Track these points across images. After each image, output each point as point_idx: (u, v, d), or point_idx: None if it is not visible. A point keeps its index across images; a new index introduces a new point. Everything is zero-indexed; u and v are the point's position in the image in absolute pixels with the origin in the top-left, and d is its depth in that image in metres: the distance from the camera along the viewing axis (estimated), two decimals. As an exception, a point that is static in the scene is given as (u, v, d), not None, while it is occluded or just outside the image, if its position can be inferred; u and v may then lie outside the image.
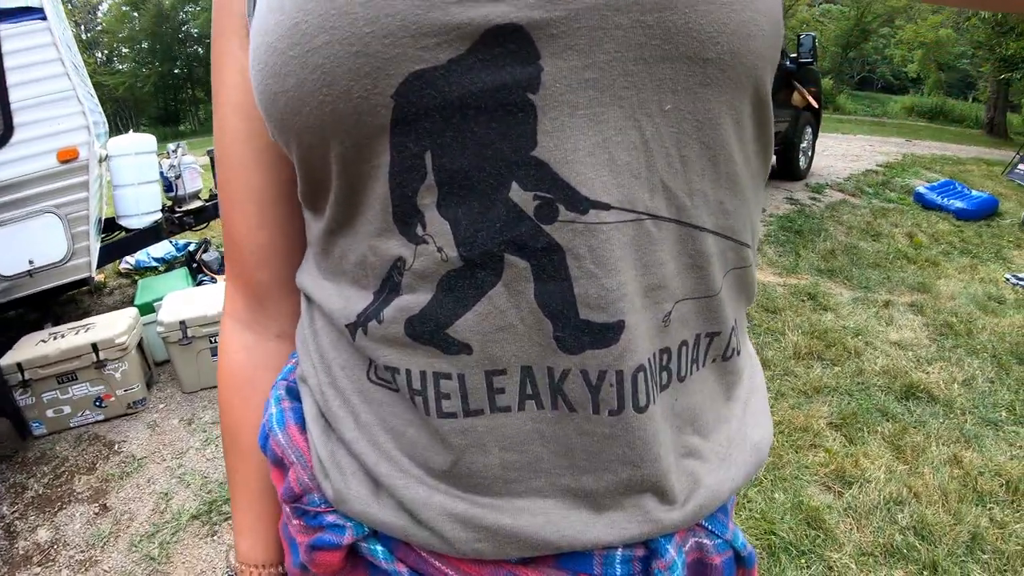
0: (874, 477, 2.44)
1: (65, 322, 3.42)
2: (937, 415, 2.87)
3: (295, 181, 0.51)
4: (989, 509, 2.28)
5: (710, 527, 0.51)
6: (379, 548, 0.50)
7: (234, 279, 0.61)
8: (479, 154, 0.39)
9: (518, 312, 0.42)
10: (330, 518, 0.52)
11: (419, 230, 0.42)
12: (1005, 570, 2.03)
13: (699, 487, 0.48)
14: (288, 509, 0.55)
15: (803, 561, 2.05)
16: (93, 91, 4.39)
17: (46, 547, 2.28)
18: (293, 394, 0.57)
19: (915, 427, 2.77)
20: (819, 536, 2.15)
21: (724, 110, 0.42)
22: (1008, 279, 4.59)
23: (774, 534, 2.16)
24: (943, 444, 2.65)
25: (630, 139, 0.40)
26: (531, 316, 0.41)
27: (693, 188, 0.43)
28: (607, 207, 0.40)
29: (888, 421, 2.82)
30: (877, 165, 9.31)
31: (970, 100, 25.63)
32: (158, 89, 36.84)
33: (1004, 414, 2.90)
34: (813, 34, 7.64)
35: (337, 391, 0.51)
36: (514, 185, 0.39)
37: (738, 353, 0.53)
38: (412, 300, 0.44)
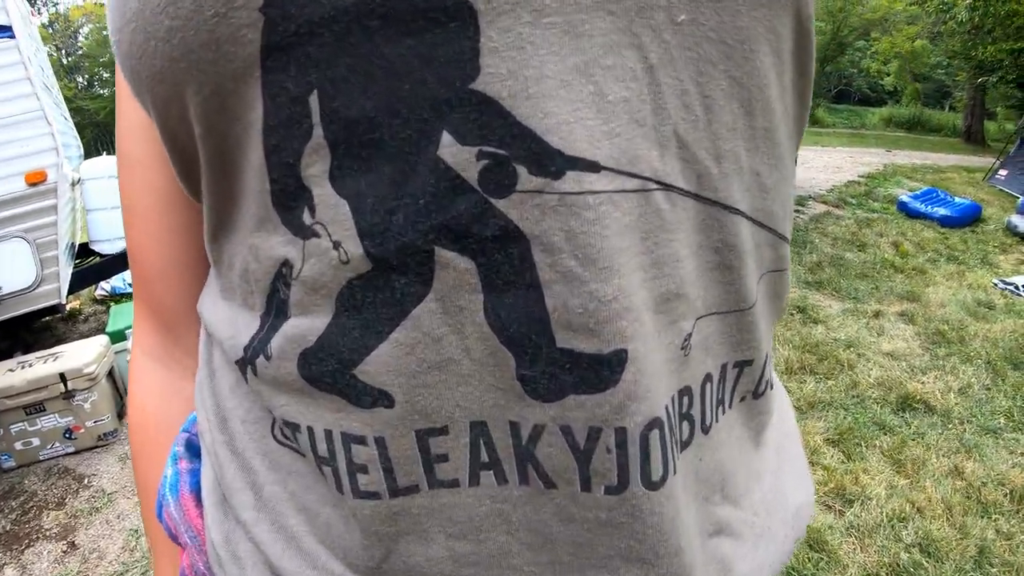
0: (875, 494, 2.36)
1: (37, 351, 3.29)
2: (935, 426, 2.81)
3: None
4: (995, 521, 2.22)
5: None
6: None
7: (142, 306, 0.48)
8: (390, 91, 0.26)
9: (460, 340, 0.29)
10: None
11: (306, 216, 0.29)
12: (1016, 587, 1.96)
13: None
14: None
15: (807, 583, 1.96)
16: (68, 113, 4.29)
17: (10, 590, 2.15)
18: (194, 450, 0.44)
19: (914, 439, 2.71)
20: (822, 559, 2.07)
21: (761, 32, 0.29)
22: (996, 284, 4.57)
23: (776, 555, 2.07)
24: (943, 455, 2.59)
25: (626, 63, 0.27)
26: (480, 346, 0.29)
27: (721, 148, 0.30)
28: (595, 167, 0.26)
29: (886, 434, 2.75)
30: (859, 176, 9.35)
31: (947, 109, 26.06)
32: (139, 113, 36.63)
33: (1003, 421, 2.84)
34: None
35: (234, 454, 0.38)
36: (446, 137, 0.26)
37: (771, 387, 0.40)
38: (305, 325, 0.31)
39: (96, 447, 2.96)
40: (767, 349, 0.38)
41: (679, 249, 0.30)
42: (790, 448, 0.44)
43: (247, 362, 0.35)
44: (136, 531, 2.40)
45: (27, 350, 3.61)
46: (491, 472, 0.32)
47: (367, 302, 0.29)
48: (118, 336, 3.52)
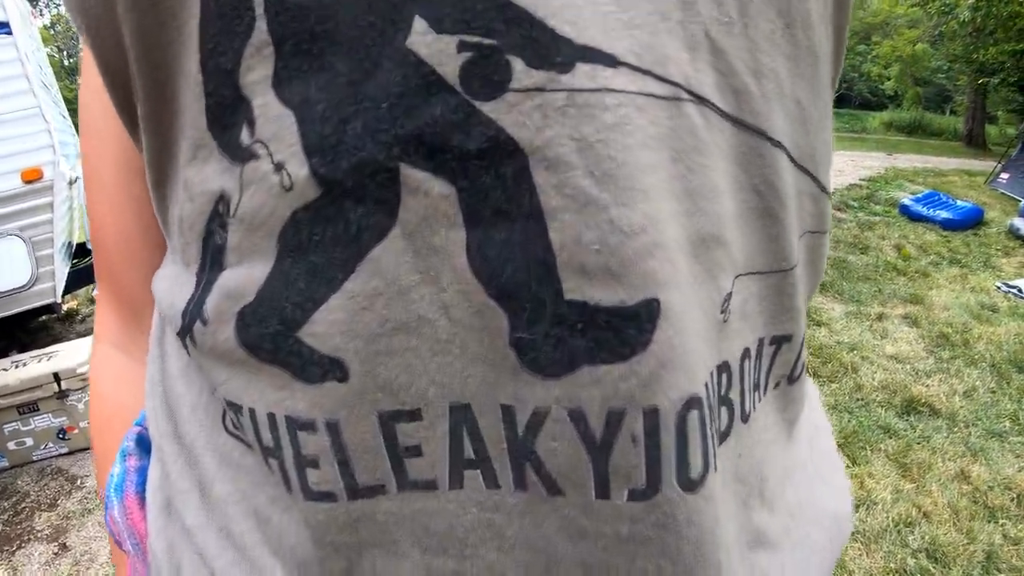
0: (881, 498, 2.32)
1: (32, 350, 3.25)
2: (940, 429, 2.77)
3: None
4: (1002, 525, 2.18)
5: None
6: None
7: (104, 291, 0.43)
8: None
9: (435, 292, 0.22)
10: None
11: (245, 135, 0.23)
12: (1024, 593, 1.92)
13: None
14: None
15: (812, 589, 1.93)
16: (67, 113, 4.26)
17: (-1, 592, 2.12)
18: (145, 446, 0.38)
19: (919, 443, 2.67)
20: (827, 561, 2.04)
21: None
22: (999, 287, 4.53)
23: (779, 560, 2.04)
24: (949, 459, 2.55)
25: None
26: (462, 300, 0.22)
27: (760, 63, 0.25)
28: (612, 61, 0.21)
29: (891, 438, 2.71)
30: (860, 179, 9.32)
31: (947, 114, 26.05)
32: (140, 114, 36.70)
33: (1008, 424, 2.81)
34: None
35: (181, 447, 0.32)
36: (418, 23, 0.21)
37: (806, 371, 0.35)
38: (242, 276, 0.25)
39: (89, 448, 2.92)
40: (804, 326, 0.32)
41: (717, 180, 0.24)
42: (823, 445, 0.38)
43: (185, 332, 0.28)
44: (129, 533, 2.36)
45: (23, 350, 3.58)
46: (477, 472, 0.25)
47: (314, 240, 0.22)
48: (114, 336, 3.49)
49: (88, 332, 4.27)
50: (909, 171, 10.45)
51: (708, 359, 0.25)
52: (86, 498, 2.58)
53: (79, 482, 2.70)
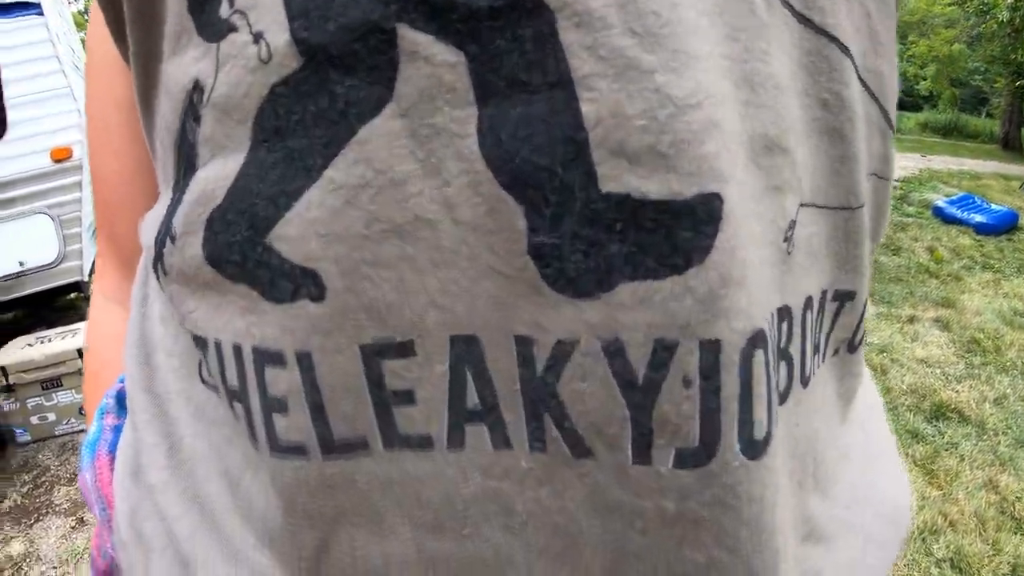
0: None
1: (59, 327, 3.30)
2: (969, 436, 2.70)
3: None
4: (1030, 539, 2.11)
5: None
6: None
7: (104, 241, 0.41)
8: None
9: (437, 185, 0.18)
10: None
11: (224, 8, 0.20)
12: (1054, 608, 1.86)
13: None
14: None
15: (831, 594, 1.89)
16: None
17: (19, 560, 2.16)
18: (123, 403, 0.35)
19: (947, 450, 2.60)
20: (847, 567, 1.99)
21: None
22: (1035, 294, 4.41)
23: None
24: (977, 467, 2.48)
25: None
26: (470, 195, 0.18)
27: None
28: None
29: (919, 443, 2.65)
30: (894, 180, 9.13)
31: (984, 116, 25.44)
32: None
33: (1040, 435, 2.73)
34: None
35: (152, 396, 0.28)
36: None
37: (865, 342, 0.30)
38: (213, 174, 0.21)
39: (111, 425, 2.96)
40: (868, 286, 0.27)
41: (778, 71, 0.20)
42: (877, 427, 0.34)
43: (158, 258, 0.25)
44: (146, 510, 2.39)
45: (49, 327, 3.64)
46: (483, 427, 0.20)
47: (294, 120, 0.19)
48: (138, 315, 3.54)
49: (113, 311, 4.33)
50: (944, 173, 10.21)
51: (770, 295, 0.20)
52: (105, 474, 2.62)
53: (99, 458, 2.73)
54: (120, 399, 0.35)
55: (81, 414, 2.88)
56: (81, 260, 3.41)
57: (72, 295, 4.44)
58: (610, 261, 0.18)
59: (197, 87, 0.21)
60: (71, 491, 2.52)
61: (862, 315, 0.28)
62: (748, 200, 0.19)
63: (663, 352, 0.18)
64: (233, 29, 0.19)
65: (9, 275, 3.21)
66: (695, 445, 0.19)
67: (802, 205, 0.23)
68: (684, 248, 0.18)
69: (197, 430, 0.26)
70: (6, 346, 2.92)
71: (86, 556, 2.15)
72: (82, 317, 4.28)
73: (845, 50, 0.22)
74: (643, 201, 0.18)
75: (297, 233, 0.19)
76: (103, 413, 0.35)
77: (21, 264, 3.22)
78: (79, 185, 3.30)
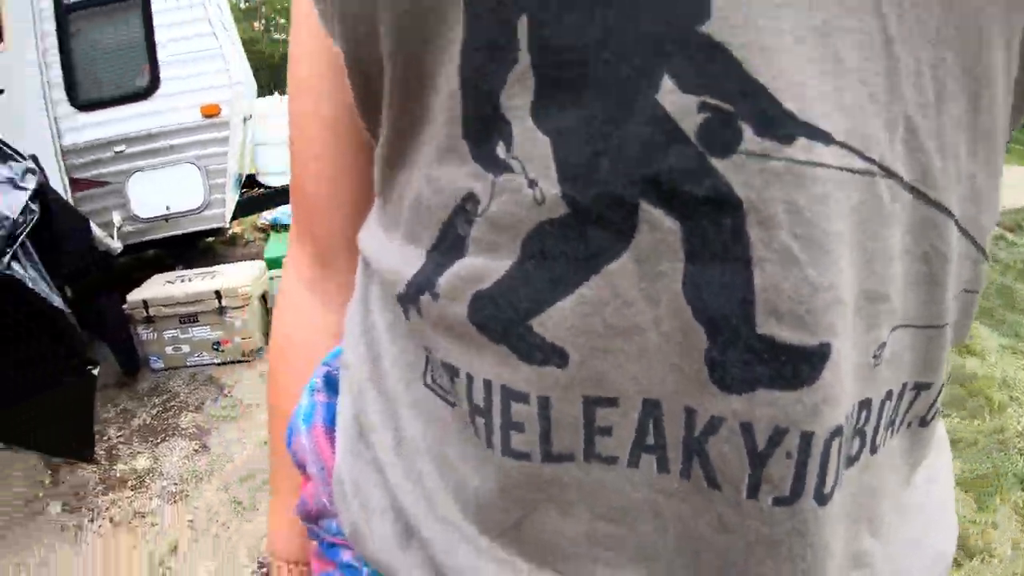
0: (1000, 552, 2.09)
1: (198, 268, 3.63)
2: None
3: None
4: None
5: None
6: None
7: (300, 233, 0.49)
8: (610, 22, 0.24)
9: (652, 308, 0.27)
10: (346, 556, 0.41)
11: (501, 150, 0.27)
12: None
13: None
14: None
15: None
16: (243, 53, 4.62)
17: (142, 474, 2.40)
18: (332, 385, 0.45)
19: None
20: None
21: (996, 25, 0.26)
22: None
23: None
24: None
25: (865, 29, 0.24)
26: (672, 319, 0.27)
27: (945, 143, 0.27)
28: (827, 139, 0.24)
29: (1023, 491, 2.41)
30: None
31: None
32: (312, 58, 38.99)
33: None
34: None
35: (381, 393, 0.38)
36: (666, 81, 0.24)
37: (939, 416, 0.37)
38: (482, 266, 0.29)
39: (240, 361, 3.21)
40: (945, 376, 0.34)
41: (892, 247, 0.27)
42: (940, 493, 0.40)
43: (409, 299, 0.34)
44: (265, 443, 2.59)
45: (189, 267, 4.01)
46: (653, 457, 0.30)
47: (558, 250, 0.27)
48: (274, 263, 3.79)
49: (250, 256, 4.69)
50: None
51: (853, 396, 0.29)
52: (231, 406, 2.86)
53: (226, 391, 2.99)
54: (329, 382, 0.45)
55: (214, 349, 3.15)
56: (224, 208, 3.72)
57: (211, 239, 4.85)
58: (755, 376, 0.26)
59: (471, 198, 0.29)
60: (197, 417, 2.78)
61: (936, 398, 0.35)
62: (849, 340, 0.27)
63: (777, 435, 0.27)
64: (510, 170, 0.27)
65: (156, 217, 3.57)
66: (787, 494, 0.28)
67: (895, 328, 0.30)
68: (802, 376, 0.26)
69: (417, 425, 0.36)
70: (149, 281, 3.25)
71: (205, 478, 2.39)
72: (220, 260, 4.66)
73: (949, 213, 0.29)
74: (783, 345, 0.26)
75: (553, 325, 0.28)
76: (313, 390, 0.45)
77: (167, 208, 3.56)
78: (226, 140, 3.58)
